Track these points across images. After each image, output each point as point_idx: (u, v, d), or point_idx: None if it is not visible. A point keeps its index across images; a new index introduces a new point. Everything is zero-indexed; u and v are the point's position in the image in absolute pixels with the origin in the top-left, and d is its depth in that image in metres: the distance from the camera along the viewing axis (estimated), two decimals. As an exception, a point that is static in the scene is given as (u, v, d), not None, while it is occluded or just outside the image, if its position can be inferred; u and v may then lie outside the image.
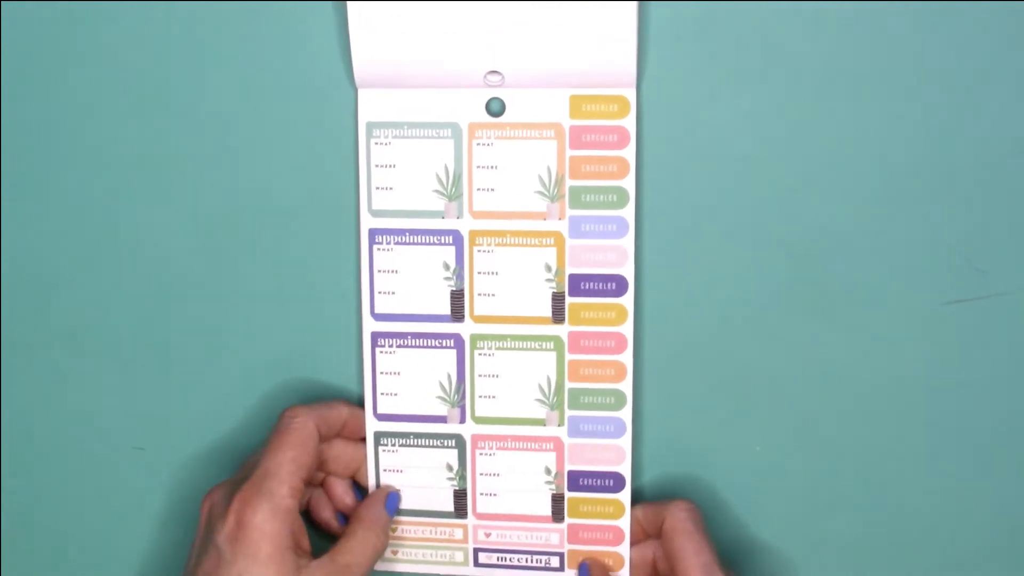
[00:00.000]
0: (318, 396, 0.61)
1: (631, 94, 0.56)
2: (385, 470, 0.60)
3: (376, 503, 0.60)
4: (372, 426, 0.60)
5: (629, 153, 0.57)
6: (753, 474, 0.60)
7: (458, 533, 0.61)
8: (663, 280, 0.58)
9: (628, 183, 0.57)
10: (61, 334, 0.62)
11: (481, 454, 0.60)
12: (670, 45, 0.56)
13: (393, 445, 0.60)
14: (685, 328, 0.59)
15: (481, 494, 0.60)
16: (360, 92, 0.57)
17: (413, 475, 0.60)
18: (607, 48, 0.55)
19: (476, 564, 0.61)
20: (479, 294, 0.58)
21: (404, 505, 0.61)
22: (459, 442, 0.60)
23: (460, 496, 0.60)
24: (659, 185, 0.57)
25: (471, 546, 0.61)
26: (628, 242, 0.57)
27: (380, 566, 0.61)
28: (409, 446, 0.60)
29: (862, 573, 0.61)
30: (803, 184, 0.57)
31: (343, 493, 0.61)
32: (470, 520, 0.60)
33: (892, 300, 0.58)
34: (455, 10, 0.55)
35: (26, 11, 0.59)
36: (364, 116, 0.57)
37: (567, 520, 0.60)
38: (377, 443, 0.60)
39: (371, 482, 0.60)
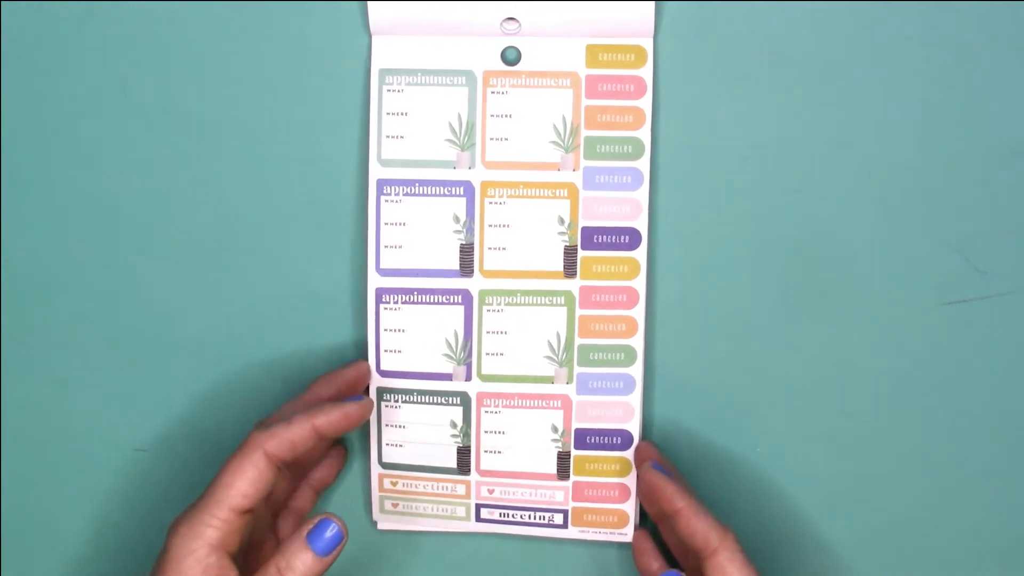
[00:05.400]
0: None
1: (648, 44, 0.56)
2: (387, 425, 0.58)
3: (296, 540, 0.53)
4: (375, 382, 0.58)
5: (646, 103, 0.56)
6: (754, 477, 0.60)
7: (460, 488, 0.59)
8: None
9: (644, 134, 0.56)
10: (61, 334, 0.60)
11: (487, 412, 0.58)
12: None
13: (396, 401, 0.58)
14: (679, 326, 0.58)
15: (485, 452, 0.59)
16: (374, 39, 0.56)
17: (415, 431, 0.58)
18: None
19: (478, 519, 0.59)
20: (489, 248, 0.57)
21: (405, 460, 0.59)
22: (464, 400, 0.58)
23: (463, 453, 0.59)
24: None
25: (473, 501, 0.59)
26: (643, 194, 0.57)
27: (380, 523, 0.60)
28: (412, 402, 0.58)
29: (862, 573, 0.61)
30: (803, 184, 0.57)
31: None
32: (473, 476, 0.59)
33: (892, 300, 0.58)
34: None
35: (26, 11, 0.57)
36: (377, 63, 0.56)
37: (572, 478, 0.59)
38: (380, 399, 0.58)
39: (372, 436, 0.59)
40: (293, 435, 0.53)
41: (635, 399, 0.58)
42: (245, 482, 0.52)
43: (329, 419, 0.54)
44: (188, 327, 0.60)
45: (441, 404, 0.58)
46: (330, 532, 0.53)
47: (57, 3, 0.57)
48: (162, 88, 0.57)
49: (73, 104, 0.58)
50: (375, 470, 0.59)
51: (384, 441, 0.59)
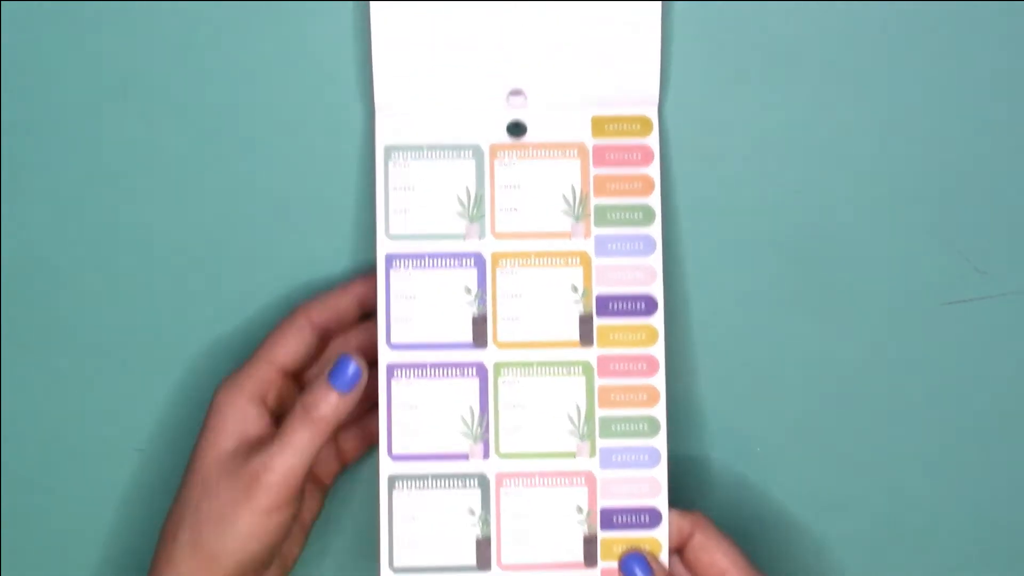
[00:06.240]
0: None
1: (653, 112, 0.57)
2: (400, 519, 0.55)
3: (319, 381, 0.54)
4: (387, 468, 0.55)
5: (653, 171, 0.57)
6: (753, 474, 0.59)
7: None
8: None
9: (654, 200, 0.56)
10: (61, 334, 0.60)
11: (506, 494, 0.55)
12: (685, 47, 0.57)
13: (408, 488, 0.55)
14: (679, 326, 0.59)
15: (506, 541, 0.55)
16: (378, 114, 0.56)
17: (430, 523, 0.55)
18: (630, 66, 0.56)
19: None
20: (503, 318, 0.56)
21: (420, 562, 0.55)
22: (482, 481, 0.55)
23: (483, 545, 0.55)
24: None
25: None
26: (656, 260, 0.56)
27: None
28: (427, 488, 0.55)
29: (862, 573, 0.60)
30: (803, 184, 0.58)
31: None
32: (494, 572, 0.55)
33: (892, 300, 0.58)
34: (479, 29, 0.56)
35: (26, 11, 0.59)
36: (382, 139, 0.56)
37: (600, 564, 0.55)
38: (391, 487, 0.55)
39: (383, 531, 0.55)
40: (337, 301, 0.57)
41: (661, 473, 0.55)
42: (286, 339, 0.55)
43: (366, 287, 0.57)
44: (189, 328, 0.59)
45: (458, 488, 0.55)
46: (351, 370, 0.54)
47: (57, 3, 0.58)
48: (166, 91, 0.58)
49: (73, 104, 0.58)
50: None
51: (395, 539, 0.55)
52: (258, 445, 0.54)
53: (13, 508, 0.61)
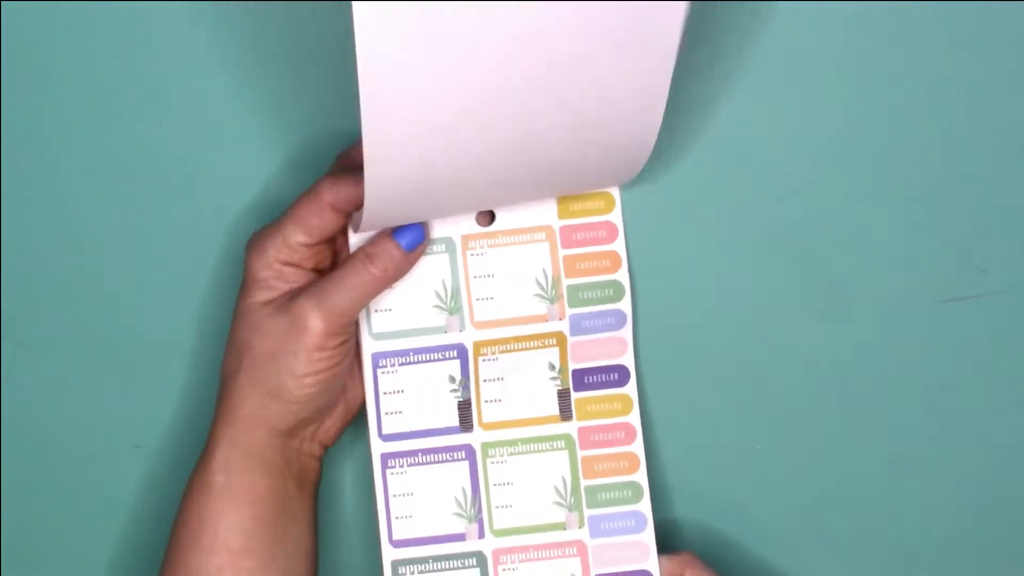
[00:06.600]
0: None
1: (615, 190, 0.59)
2: None
3: (382, 236, 0.56)
4: (388, 555, 0.58)
5: (619, 246, 0.59)
6: (753, 474, 0.61)
7: None
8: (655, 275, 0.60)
9: (622, 275, 0.59)
10: (61, 334, 0.61)
11: (503, 570, 0.58)
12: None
13: (411, 574, 0.58)
14: (680, 326, 0.60)
15: None
16: (351, 238, 0.57)
17: None
18: (616, 178, 0.57)
19: None
20: (486, 401, 0.58)
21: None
22: (480, 560, 0.58)
23: None
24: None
25: None
26: (627, 332, 0.59)
27: None
28: (428, 572, 0.58)
29: (861, 573, 0.61)
30: (803, 184, 0.59)
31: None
32: None
33: (891, 299, 0.60)
34: (466, 169, 0.53)
35: (26, 11, 0.59)
36: (356, 244, 0.57)
37: None
38: (395, 573, 0.58)
39: None
40: (356, 186, 0.54)
41: (648, 536, 0.59)
42: (307, 225, 0.55)
43: None
44: (189, 327, 0.60)
45: (457, 568, 0.58)
46: (416, 231, 0.56)
47: (57, 3, 0.58)
48: (169, 92, 0.59)
49: (73, 104, 0.59)
50: None
51: None
52: (304, 289, 0.55)
53: (13, 507, 0.62)
